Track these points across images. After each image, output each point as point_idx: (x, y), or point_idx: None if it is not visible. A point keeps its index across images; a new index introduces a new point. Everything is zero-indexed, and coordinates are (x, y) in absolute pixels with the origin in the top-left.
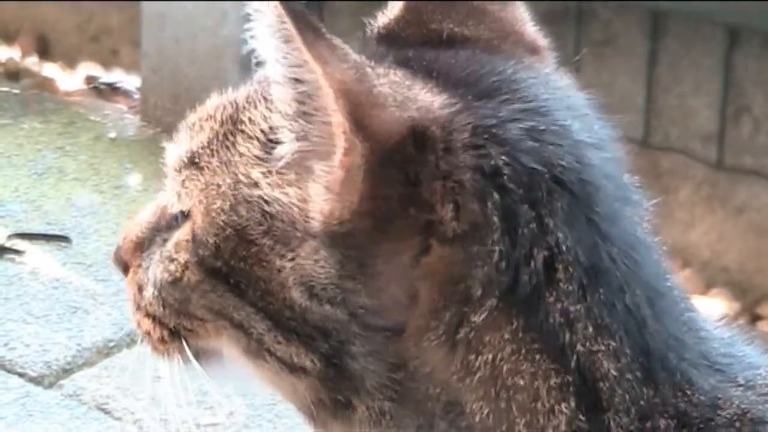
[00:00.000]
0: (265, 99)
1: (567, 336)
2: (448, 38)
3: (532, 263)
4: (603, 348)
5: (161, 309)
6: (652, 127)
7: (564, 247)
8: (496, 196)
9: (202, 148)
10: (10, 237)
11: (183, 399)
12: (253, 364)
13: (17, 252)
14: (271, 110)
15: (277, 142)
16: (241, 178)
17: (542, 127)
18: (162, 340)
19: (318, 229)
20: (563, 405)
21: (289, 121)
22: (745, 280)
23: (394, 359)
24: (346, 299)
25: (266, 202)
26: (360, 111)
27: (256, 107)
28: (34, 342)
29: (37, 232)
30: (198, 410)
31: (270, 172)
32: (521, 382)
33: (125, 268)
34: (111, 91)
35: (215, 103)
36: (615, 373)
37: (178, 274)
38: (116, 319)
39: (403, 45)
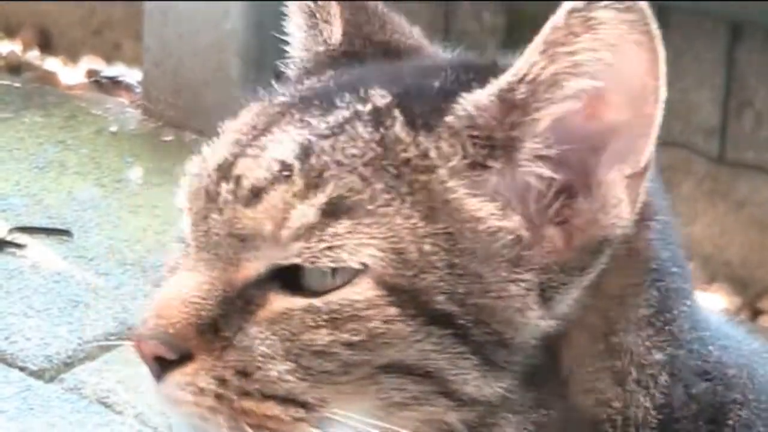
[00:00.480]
0: (431, 127)
1: (673, 304)
2: (395, 49)
3: (663, 238)
4: (685, 308)
5: (302, 383)
6: None
7: (672, 235)
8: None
9: (350, 195)
10: (11, 231)
11: None
12: (395, 416)
13: (18, 246)
14: (467, 145)
15: (492, 171)
16: (451, 212)
17: None
18: (298, 419)
19: (594, 235)
20: (663, 378)
21: (543, 138)
22: (747, 274)
23: (532, 372)
24: (561, 310)
25: (502, 231)
26: None
27: (439, 142)
28: (35, 336)
29: (38, 225)
30: None
31: (488, 200)
32: (655, 357)
33: (184, 357)
34: (113, 85)
35: (300, 142)
36: (689, 336)
37: (378, 332)
38: (117, 313)
39: (365, 59)
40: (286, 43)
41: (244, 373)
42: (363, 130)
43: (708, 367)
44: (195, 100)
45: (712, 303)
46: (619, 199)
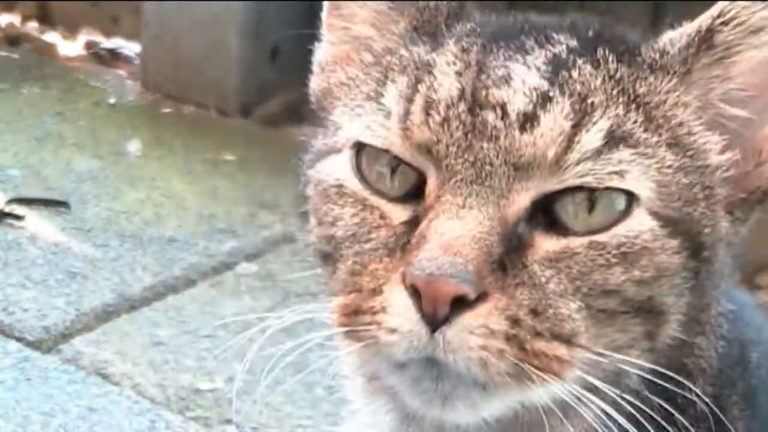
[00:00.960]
0: (649, 64)
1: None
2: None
3: None
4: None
5: (584, 322)
6: None
7: None
8: None
9: (621, 123)
10: (9, 202)
11: (182, 364)
12: (613, 361)
13: (16, 217)
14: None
15: (724, 109)
16: (700, 149)
17: None
18: (573, 360)
19: (764, 187)
20: (725, 327)
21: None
22: (745, 250)
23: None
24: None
25: (721, 163)
26: None
27: (656, 76)
28: (32, 307)
29: (36, 197)
30: (195, 376)
31: (712, 135)
32: (727, 306)
33: (481, 296)
34: (111, 58)
35: (546, 75)
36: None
37: (665, 266)
38: (115, 285)
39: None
40: (284, 17)
41: (535, 312)
42: (590, 68)
43: (736, 316)
44: (193, 73)
45: None
46: None
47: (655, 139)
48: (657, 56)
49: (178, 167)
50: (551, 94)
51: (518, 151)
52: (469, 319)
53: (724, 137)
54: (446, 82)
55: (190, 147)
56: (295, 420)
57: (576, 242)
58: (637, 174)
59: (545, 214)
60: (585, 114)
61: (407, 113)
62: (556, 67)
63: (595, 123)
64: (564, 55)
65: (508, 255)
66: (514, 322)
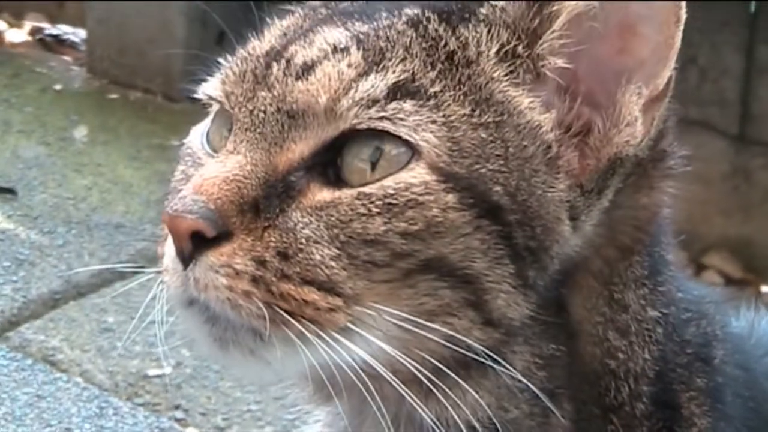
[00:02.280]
0: (475, 20)
1: (664, 269)
2: None
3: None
4: (673, 276)
5: (343, 272)
6: None
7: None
8: None
9: (414, 77)
10: None
11: (131, 350)
12: (419, 327)
13: None
14: (502, 33)
15: (527, 60)
16: (499, 104)
17: None
18: (334, 309)
19: (606, 152)
20: (658, 333)
21: (566, 36)
22: (691, 230)
23: (545, 304)
24: (584, 233)
25: (538, 125)
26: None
27: (477, 31)
28: None
29: None
30: (144, 362)
31: (532, 96)
32: (649, 315)
33: (221, 236)
34: (57, 44)
35: (361, 31)
36: (678, 296)
37: (436, 220)
38: (62, 271)
39: None
40: (231, 1)
41: (284, 256)
42: (406, 27)
43: (692, 315)
44: (140, 59)
45: None
46: (633, 117)
47: (451, 93)
48: (488, 12)
49: (124, 153)
50: (344, 46)
51: (291, 98)
52: (212, 257)
53: (554, 95)
54: (265, 41)
55: (137, 132)
56: (244, 405)
57: (347, 193)
58: (415, 125)
59: (330, 166)
60: (375, 65)
61: (227, 68)
62: (369, 29)
63: (381, 74)
64: (384, 20)
65: (267, 199)
66: (260, 263)
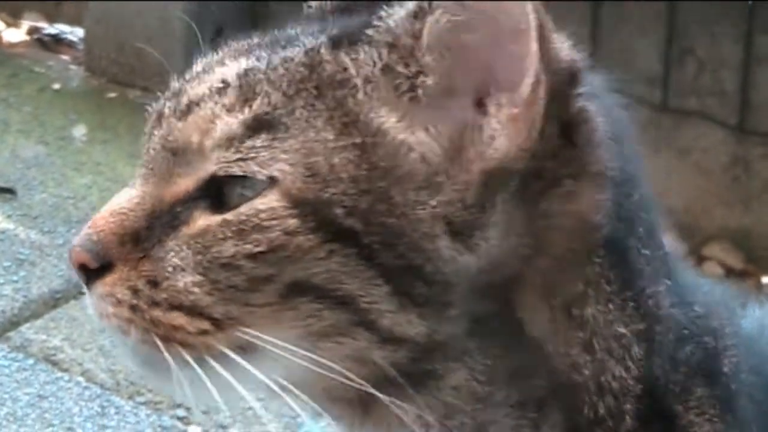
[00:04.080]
0: (356, 43)
1: (641, 282)
2: None
3: (623, 209)
4: (661, 289)
5: (208, 296)
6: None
7: (635, 194)
8: (612, 144)
9: (273, 110)
10: None
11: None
12: (317, 348)
13: None
14: (373, 51)
15: (400, 78)
16: (363, 126)
17: (597, 84)
18: (203, 332)
19: (477, 167)
20: (638, 350)
21: (434, 53)
22: (691, 221)
23: (480, 321)
24: (480, 249)
25: (403, 145)
26: (543, 45)
27: (346, 54)
28: None
29: None
30: None
31: (404, 115)
32: (618, 331)
33: (104, 267)
34: (55, 43)
35: (243, 67)
36: (668, 312)
37: (278, 243)
38: (63, 271)
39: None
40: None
41: (154, 283)
42: (297, 55)
43: (693, 330)
44: (138, 57)
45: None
46: (494, 129)
47: (315, 119)
48: (373, 32)
49: (124, 151)
50: (228, 83)
51: (172, 138)
52: (99, 287)
53: (431, 113)
54: (181, 79)
55: (136, 131)
56: (246, 403)
57: (216, 220)
58: (268, 158)
59: (218, 194)
60: (243, 102)
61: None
62: (264, 64)
63: (241, 112)
64: (286, 56)
65: (149, 230)
66: (135, 292)
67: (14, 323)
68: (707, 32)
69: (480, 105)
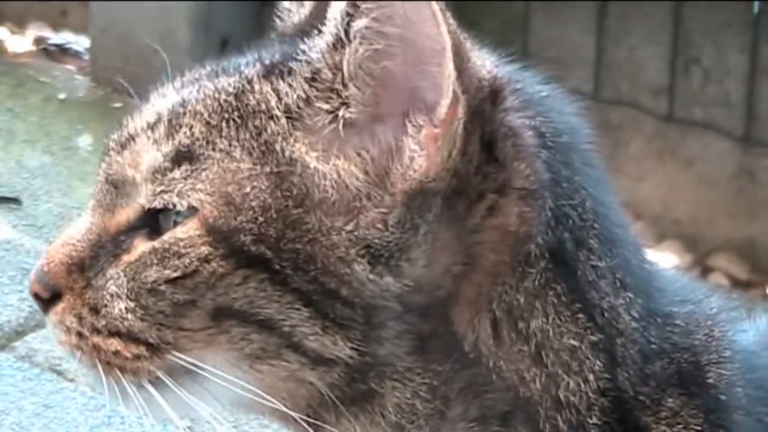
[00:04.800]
0: (282, 74)
1: (595, 293)
2: None
3: (569, 220)
4: (622, 302)
5: (140, 322)
6: (603, 81)
7: (588, 204)
8: (545, 154)
9: (194, 142)
10: None
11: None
12: (254, 370)
13: None
14: (295, 83)
15: (320, 112)
16: (280, 156)
17: (544, 93)
18: (139, 357)
19: (400, 188)
20: (597, 362)
21: (357, 82)
22: (697, 232)
23: (423, 340)
24: (404, 271)
25: (320, 173)
26: (460, 63)
27: (271, 84)
28: None
29: None
30: None
31: (323, 145)
32: (569, 343)
33: (55, 296)
34: (60, 53)
35: (178, 99)
36: (632, 325)
37: (192, 269)
38: None
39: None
40: (234, 8)
41: (95, 311)
42: (229, 86)
43: (667, 343)
44: (144, 66)
45: (664, 261)
46: (412, 150)
47: (234, 149)
48: (295, 65)
49: None
50: (160, 117)
51: (112, 170)
52: (52, 315)
53: (342, 143)
54: (133, 110)
55: None
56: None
57: (147, 247)
58: (188, 189)
59: (156, 223)
60: (169, 136)
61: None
62: (197, 94)
63: (165, 145)
64: (222, 84)
65: (94, 260)
66: (80, 319)
67: (19, 333)
68: (713, 42)
69: (404, 127)
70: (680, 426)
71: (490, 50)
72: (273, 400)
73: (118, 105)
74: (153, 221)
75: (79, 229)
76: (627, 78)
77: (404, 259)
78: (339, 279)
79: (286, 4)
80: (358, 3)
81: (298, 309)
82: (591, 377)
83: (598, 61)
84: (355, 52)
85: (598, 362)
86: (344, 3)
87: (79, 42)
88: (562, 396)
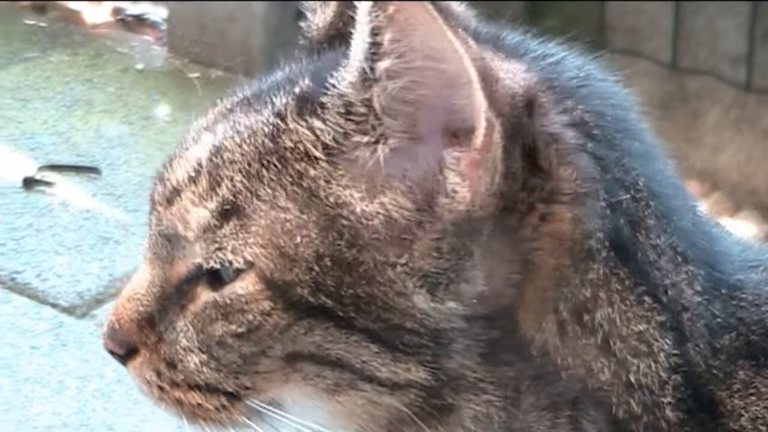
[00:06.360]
0: (315, 110)
1: (657, 273)
2: None
3: (623, 204)
4: (684, 276)
5: (216, 373)
6: (681, 50)
7: (640, 182)
8: (590, 145)
9: (237, 194)
10: (40, 169)
11: None
12: (333, 401)
13: (47, 184)
14: (329, 118)
15: (359, 146)
16: (324, 200)
17: (582, 75)
18: (221, 408)
19: (447, 219)
20: (665, 341)
21: (390, 113)
22: None
23: (490, 348)
24: (464, 292)
25: (367, 213)
26: (489, 88)
27: (306, 122)
28: (66, 273)
29: (66, 164)
30: None
31: (367, 182)
32: (637, 328)
33: (131, 351)
34: (137, 23)
35: (215, 144)
36: (696, 299)
37: (255, 324)
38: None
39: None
40: None
41: (172, 365)
42: (263, 125)
43: (733, 320)
44: (220, 37)
45: (742, 231)
46: (454, 182)
47: (279, 197)
48: (327, 99)
49: None
50: (200, 168)
51: (163, 225)
52: (131, 369)
53: (385, 177)
54: (176, 150)
55: None
56: None
57: (211, 297)
58: (239, 246)
59: (216, 270)
60: (212, 189)
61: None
62: (232, 137)
63: (211, 200)
64: (255, 121)
65: (162, 312)
66: (158, 374)
67: (100, 301)
68: None
69: (434, 165)
70: (753, 398)
71: (563, 23)
72: (355, 424)
73: (195, 75)
74: (211, 268)
75: (141, 282)
76: (705, 47)
77: (463, 282)
78: (401, 313)
79: (311, 3)
80: (379, 41)
81: (367, 346)
82: (662, 356)
83: (675, 30)
84: (384, 89)
85: (667, 341)
86: (366, 42)
87: (156, 12)
88: (633, 380)
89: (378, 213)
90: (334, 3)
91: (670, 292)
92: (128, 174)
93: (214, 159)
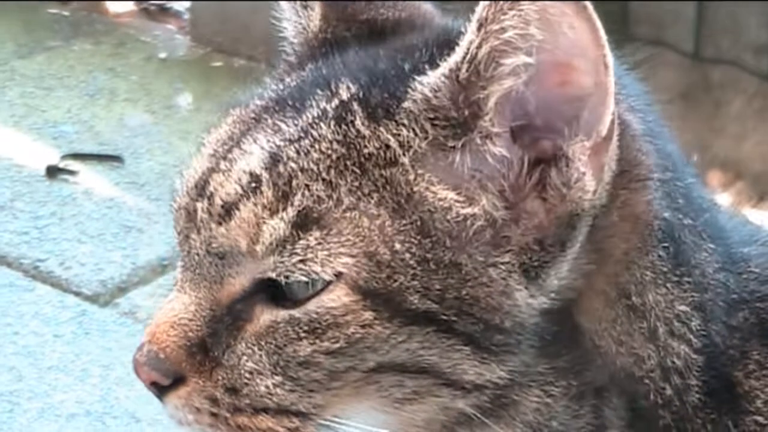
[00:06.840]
0: (393, 114)
1: (690, 252)
2: (381, 26)
3: (665, 186)
4: (705, 254)
5: (291, 394)
6: (703, 40)
7: (670, 165)
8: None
9: (316, 203)
10: (63, 157)
11: None
12: (400, 411)
13: (71, 172)
14: (415, 124)
15: (452, 151)
16: (418, 204)
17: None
18: (293, 429)
19: (566, 210)
20: (695, 322)
21: (495, 116)
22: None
23: (548, 341)
24: (551, 285)
25: (463, 215)
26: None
27: (386, 127)
28: (89, 261)
29: (89, 152)
30: None
31: (462, 184)
32: (680, 309)
33: (178, 380)
34: (160, 13)
35: (266, 152)
36: (716, 277)
37: (357, 337)
38: (169, 238)
39: (347, 45)
40: None
41: (233, 390)
42: (326, 130)
43: (746, 295)
44: (243, 26)
45: (765, 219)
46: (581, 173)
47: (366, 202)
48: (410, 105)
49: None
50: (258, 178)
51: (216, 243)
52: (173, 399)
53: (493, 178)
54: (197, 162)
55: None
56: None
57: (283, 315)
58: (326, 257)
59: (274, 285)
60: (283, 198)
61: (176, 191)
62: (289, 144)
63: (286, 210)
64: (307, 124)
65: (214, 336)
66: (213, 401)
67: (122, 289)
68: None
69: (555, 154)
70: (766, 380)
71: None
72: (410, 431)
73: (217, 64)
74: (270, 285)
75: (185, 307)
76: (728, 37)
77: (554, 275)
78: (502, 312)
79: (284, 4)
80: (509, 39)
81: (460, 349)
82: (692, 338)
83: (698, 19)
84: (506, 88)
85: (696, 321)
86: (483, 44)
87: (179, 2)
88: (670, 363)
89: (477, 213)
90: (318, 4)
91: (697, 271)
92: (151, 163)
93: (273, 168)
